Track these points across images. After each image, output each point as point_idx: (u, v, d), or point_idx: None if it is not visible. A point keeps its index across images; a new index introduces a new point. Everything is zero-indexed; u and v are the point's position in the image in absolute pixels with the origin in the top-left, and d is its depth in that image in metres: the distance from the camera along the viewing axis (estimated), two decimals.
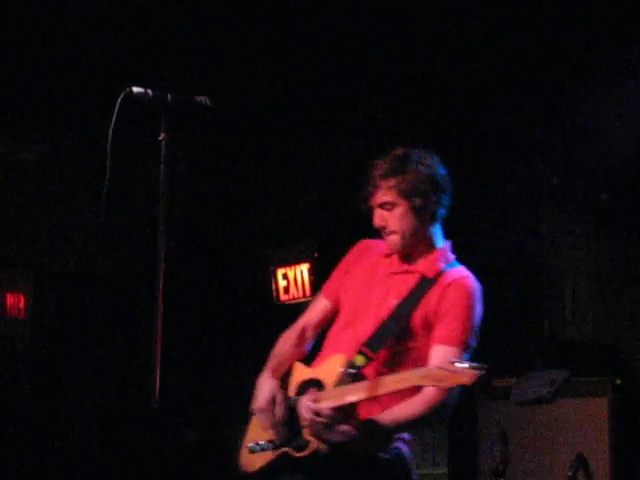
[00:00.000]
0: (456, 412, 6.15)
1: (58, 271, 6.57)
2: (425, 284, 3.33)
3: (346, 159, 6.66)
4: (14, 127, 6.45)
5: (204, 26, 5.98)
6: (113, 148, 2.68)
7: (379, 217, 3.36)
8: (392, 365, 3.25)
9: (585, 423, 5.42)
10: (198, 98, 2.84)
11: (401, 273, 3.40)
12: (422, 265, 3.39)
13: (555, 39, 5.97)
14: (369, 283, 3.44)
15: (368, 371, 3.22)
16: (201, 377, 6.34)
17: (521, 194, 6.55)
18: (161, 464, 2.62)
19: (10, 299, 6.44)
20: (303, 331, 3.56)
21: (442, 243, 3.47)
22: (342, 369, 3.20)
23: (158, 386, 2.55)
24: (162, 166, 2.66)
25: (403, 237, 3.33)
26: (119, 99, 2.66)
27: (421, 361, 3.23)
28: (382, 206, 3.34)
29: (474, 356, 3.26)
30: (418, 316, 3.29)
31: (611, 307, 6.27)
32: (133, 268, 6.62)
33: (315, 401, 3.13)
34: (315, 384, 3.26)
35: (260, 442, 3.28)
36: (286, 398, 3.31)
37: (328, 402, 3.10)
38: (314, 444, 3.14)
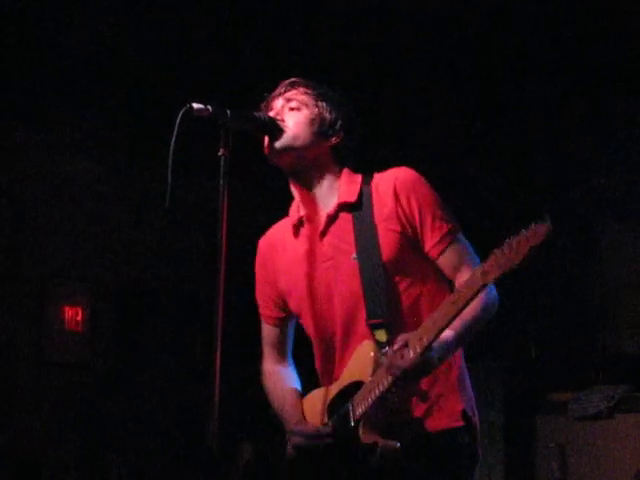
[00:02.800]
0: (513, 426, 6.14)
1: (116, 284, 6.62)
2: (359, 208, 2.88)
3: None
4: (73, 142, 6.53)
5: (264, 42, 6.03)
6: (174, 164, 2.68)
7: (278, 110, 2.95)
8: (412, 315, 2.83)
9: None
10: (257, 114, 2.85)
11: (327, 227, 2.93)
12: (339, 196, 2.93)
13: (617, 56, 5.95)
14: (307, 271, 2.95)
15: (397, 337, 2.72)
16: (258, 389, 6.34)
17: (581, 206, 6.50)
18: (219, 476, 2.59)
19: (69, 312, 6.50)
20: (277, 370, 3.14)
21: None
22: (372, 354, 2.76)
23: (218, 399, 2.53)
24: (221, 182, 2.65)
25: (295, 138, 2.88)
26: (179, 115, 2.67)
27: (426, 290, 2.85)
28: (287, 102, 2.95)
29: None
30: (390, 247, 2.83)
31: None
32: (191, 283, 6.65)
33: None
34: (349, 392, 2.80)
35: None
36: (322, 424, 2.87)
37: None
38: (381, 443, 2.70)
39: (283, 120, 2.90)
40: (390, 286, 2.83)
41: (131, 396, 6.43)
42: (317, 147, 2.91)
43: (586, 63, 6.14)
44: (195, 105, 2.69)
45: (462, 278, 2.72)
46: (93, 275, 6.56)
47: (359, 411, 2.73)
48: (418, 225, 2.84)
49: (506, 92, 6.60)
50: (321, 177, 2.95)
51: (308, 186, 2.96)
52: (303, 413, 2.96)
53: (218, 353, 2.53)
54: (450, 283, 2.88)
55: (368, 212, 2.86)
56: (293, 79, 3.00)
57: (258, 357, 3.21)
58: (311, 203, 2.97)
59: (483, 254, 2.56)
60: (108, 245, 6.60)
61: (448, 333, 2.64)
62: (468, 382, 2.93)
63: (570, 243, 6.42)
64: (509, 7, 5.89)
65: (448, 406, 2.83)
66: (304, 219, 2.99)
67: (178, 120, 2.67)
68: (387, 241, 2.84)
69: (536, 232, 2.51)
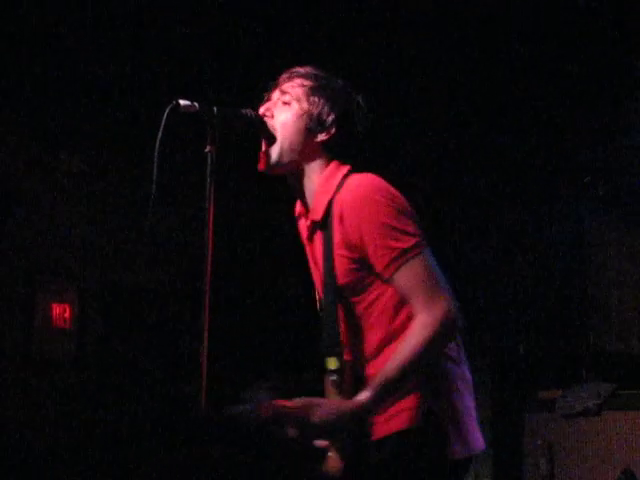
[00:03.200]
0: (501, 424, 6.15)
1: (104, 282, 6.60)
2: (324, 228, 2.79)
3: None
4: (62, 138, 6.51)
5: (253, 39, 6.01)
6: (160, 160, 2.67)
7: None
8: (361, 346, 2.77)
9: (632, 436, 5.37)
10: (244, 111, 2.85)
11: (310, 235, 2.89)
12: (312, 210, 2.84)
13: (612, 55, 5.96)
14: (310, 260, 2.96)
15: (346, 366, 2.75)
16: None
17: (568, 204, 6.51)
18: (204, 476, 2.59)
19: (56, 309, 6.48)
20: None
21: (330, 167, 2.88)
22: (325, 378, 2.76)
23: (204, 398, 2.53)
24: (208, 179, 2.65)
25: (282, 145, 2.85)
26: (166, 111, 2.66)
27: (386, 305, 2.72)
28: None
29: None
30: (343, 273, 2.74)
31: None
32: (178, 281, 6.64)
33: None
34: None
35: None
36: None
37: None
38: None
39: (272, 116, 2.87)
40: (348, 308, 2.77)
41: (119, 394, 6.41)
42: (305, 144, 2.86)
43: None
44: (182, 102, 2.68)
45: (412, 307, 2.63)
46: (81, 272, 6.54)
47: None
48: (365, 249, 2.68)
49: (495, 93, 6.61)
50: (306, 173, 2.89)
51: (300, 184, 2.92)
52: None
53: (205, 348, 2.54)
54: None
55: (330, 234, 2.76)
56: (294, 69, 2.94)
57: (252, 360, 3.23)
58: (303, 201, 2.94)
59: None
60: (97, 242, 6.58)
61: (364, 396, 2.56)
62: (443, 370, 2.73)
63: (559, 241, 6.43)
64: None
65: (398, 407, 2.67)
66: (300, 216, 2.98)
67: (165, 117, 2.66)
68: (340, 267, 2.74)
69: None
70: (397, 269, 2.64)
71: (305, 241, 2.95)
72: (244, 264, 6.57)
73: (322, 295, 2.84)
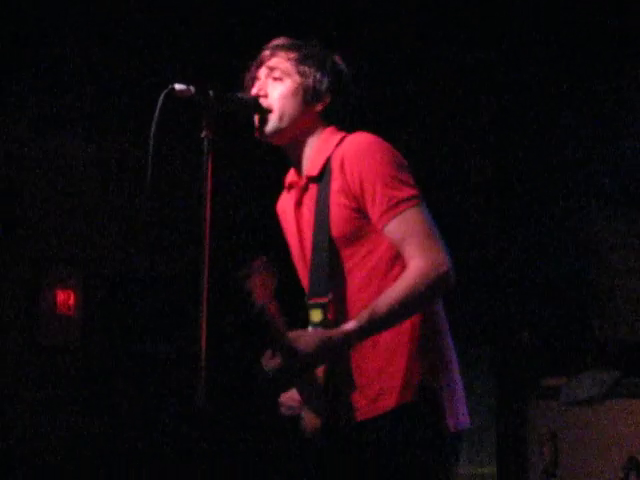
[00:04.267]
0: (505, 411, 6.14)
1: (108, 268, 6.60)
2: (320, 181, 2.80)
3: None
4: (64, 125, 6.50)
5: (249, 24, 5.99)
6: (155, 145, 2.64)
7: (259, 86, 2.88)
8: (352, 296, 2.73)
9: (637, 424, 5.36)
10: (240, 94, 2.82)
11: (300, 198, 2.88)
12: (308, 168, 2.85)
13: (614, 44, 5.93)
14: (293, 239, 2.94)
15: (333, 319, 2.71)
16: (249, 377, 6.33)
17: (573, 193, 6.49)
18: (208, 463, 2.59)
19: (60, 296, 6.48)
20: None
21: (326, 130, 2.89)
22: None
23: (204, 384, 2.51)
24: (205, 164, 2.62)
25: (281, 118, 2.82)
26: (161, 96, 2.63)
27: (380, 259, 2.71)
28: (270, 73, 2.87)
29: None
30: (339, 222, 2.72)
31: None
32: (183, 268, 6.63)
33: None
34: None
35: None
36: None
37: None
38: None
39: (267, 95, 2.84)
40: (338, 262, 2.73)
41: (122, 381, 6.41)
42: (304, 116, 2.84)
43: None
44: (177, 86, 2.65)
45: (405, 253, 2.62)
46: (86, 259, 6.53)
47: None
48: (363, 196, 2.67)
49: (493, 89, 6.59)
50: (305, 142, 2.86)
51: (294, 153, 2.90)
52: None
53: (203, 336, 2.53)
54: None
55: (326, 186, 2.75)
56: (275, 42, 2.90)
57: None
58: (295, 169, 2.93)
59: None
60: (101, 229, 6.57)
61: (349, 325, 2.57)
62: (437, 343, 2.72)
63: (563, 229, 6.41)
64: None
65: (394, 382, 2.65)
66: (292, 185, 2.94)
67: (160, 101, 2.64)
68: (337, 216, 2.71)
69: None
70: (394, 216, 2.64)
71: (292, 210, 2.90)
72: (244, 250, 6.55)
73: (309, 254, 2.81)
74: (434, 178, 6.65)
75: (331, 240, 2.73)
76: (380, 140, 2.73)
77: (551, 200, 6.58)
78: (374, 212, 2.66)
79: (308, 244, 2.83)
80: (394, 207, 2.64)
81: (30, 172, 6.36)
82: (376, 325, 2.58)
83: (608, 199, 6.44)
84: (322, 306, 2.71)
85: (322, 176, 2.78)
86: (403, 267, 2.64)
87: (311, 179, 2.83)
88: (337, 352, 2.60)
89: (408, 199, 2.65)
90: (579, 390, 5.57)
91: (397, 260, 2.68)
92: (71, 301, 6.51)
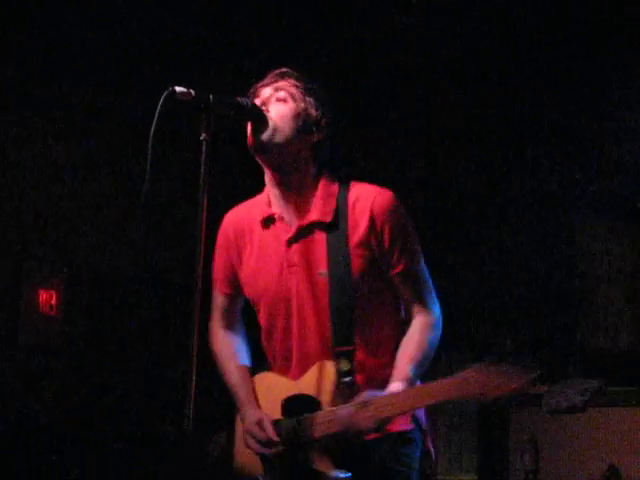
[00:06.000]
0: (487, 418, 6.16)
1: (91, 268, 6.58)
2: (334, 229, 2.89)
3: None
4: (49, 126, 6.47)
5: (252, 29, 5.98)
6: (154, 148, 2.64)
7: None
8: (374, 344, 2.90)
9: (618, 433, 5.38)
10: (241, 99, 2.83)
11: (298, 236, 2.94)
12: (314, 212, 2.93)
13: (597, 46, 5.94)
14: (270, 270, 2.96)
15: (358, 367, 2.84)
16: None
17: (555, 201, 6.52)
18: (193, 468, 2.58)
19: (43, 295, 6.46)
20: (225, 334, 3.16)
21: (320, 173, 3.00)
22: (333, 380, 2.80)
23: (193, 387, 2.50)
24: (203, 166, 2.62)
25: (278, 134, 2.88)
26: (161, 98, 2.64)
27: (389, 304, 2.94)
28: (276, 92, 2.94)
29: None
30: (358, 267, 2.87)
31: None
32: (168, 269, 6.62)
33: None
34: (306, 400, 2.83)
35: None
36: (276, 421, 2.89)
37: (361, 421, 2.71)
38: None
39: (268, 110, 2.89)
40: (359, 310, 2.88)
41: (105, 381, 6.40)
42: (299, 142, 2.91)
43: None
44: (178, 88, 2.66)
45: (414, 310, 2.91)
46: (68, 259, 6.52)
47: (317, 434, 2.76)
48: (387, 252, 2.89)
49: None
50: (299, 179, 2.95)
51: (285, 185, 2.96)
52: (256, 396, 2.99)
53: (195, 338, 2.52)
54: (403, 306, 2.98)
55: (343, 232, 2.89)
56: (284, 69, 3.00)
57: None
58: (285, 204, 2.97)
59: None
60: (84, 229, 6.55)
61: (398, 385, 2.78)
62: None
63: (546, 237, 6.43)
64: None
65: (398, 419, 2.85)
66: (276, 217, 2.98)
67: (160, 103, 2.64)
68: (358, 263, 2.87)
69: (520, 379, 2.56)
70: (413, 273, 2.92)
71: (278, 244, 2.95)
72: None
73: (295, 291, 2.91)
74: (411, 184, 6.69)
75: (354, 284, 2.87)
76: (398, 197, 2.94)
77: (533, 210, 6.60)
78: (394, 267, 2.90)
79: (294, 282, 2.91)
80: (410, 267, 2.91)
81: (14, 172, 6.34)
82: (419, 375, 2.86)
83: (590, 209, 6.48)
84: (348, 354, 2.83)
85: (333, 224, 2.90)
86: (403, 309, 2.96)
87: (319, 224, 2.92)
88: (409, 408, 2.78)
89: (419, 258, 2.94)
90: (561, 398, 5.59)
91: (398, 303, 2.97)
92: (53, 301, 6.49)
